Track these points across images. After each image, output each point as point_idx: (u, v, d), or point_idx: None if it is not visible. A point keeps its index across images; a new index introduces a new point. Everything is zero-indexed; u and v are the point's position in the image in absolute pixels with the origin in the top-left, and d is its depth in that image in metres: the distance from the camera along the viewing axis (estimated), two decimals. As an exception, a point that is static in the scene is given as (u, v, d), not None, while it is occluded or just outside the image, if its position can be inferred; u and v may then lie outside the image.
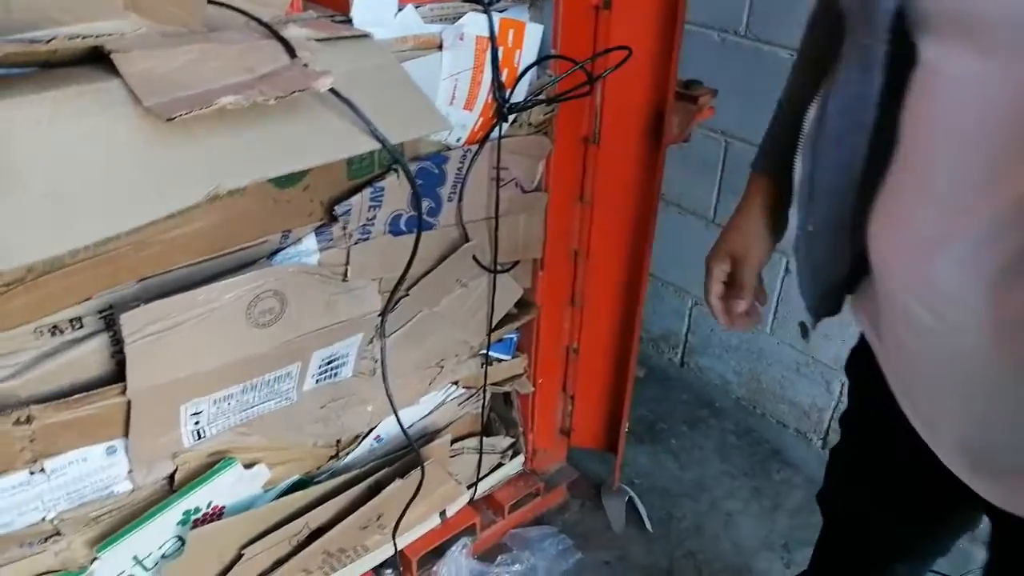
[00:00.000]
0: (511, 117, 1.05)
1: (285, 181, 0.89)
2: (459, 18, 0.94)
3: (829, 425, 1.82)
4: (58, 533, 0.91)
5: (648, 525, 1.62)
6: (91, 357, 0.84)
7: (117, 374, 0.85)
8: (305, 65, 0.71)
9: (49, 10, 0.62)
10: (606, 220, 1.29)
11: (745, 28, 1.57)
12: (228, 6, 0.75)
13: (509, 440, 1.49)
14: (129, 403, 0.86)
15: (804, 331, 0.88)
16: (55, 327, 0.81)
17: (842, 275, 0.76)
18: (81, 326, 0.83)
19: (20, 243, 0.50)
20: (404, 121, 0.77)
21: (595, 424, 1.58)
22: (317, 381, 1.08)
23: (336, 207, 0.94)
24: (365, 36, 0.80)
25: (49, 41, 0.57)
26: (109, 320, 0.84)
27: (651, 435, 1.92)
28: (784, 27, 1.52)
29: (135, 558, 1.00)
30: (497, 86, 0.99)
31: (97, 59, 0.64)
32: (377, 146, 0.72)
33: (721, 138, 1.76)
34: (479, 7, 0.94)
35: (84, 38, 0.60)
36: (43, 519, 0.88)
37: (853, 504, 1.00)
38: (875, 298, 0.72)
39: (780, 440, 1.90)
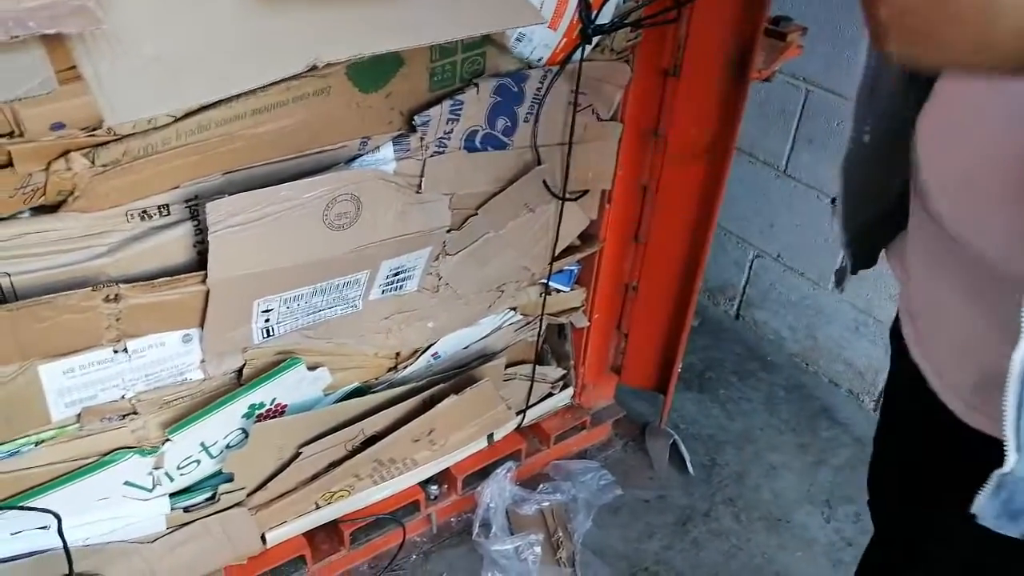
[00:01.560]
0: (594, 40, 1.03)
1: (368, 84, 0.89)
2: (552, -68, 0.92)
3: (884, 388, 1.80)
4: (135, 412, 0.95)
5: (690, 469, 1.63)
6: (176, 244, 0.86)
7: (199, 263, 0.88)
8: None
9: None
10: (679, 156, 1.27)
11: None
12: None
13: (560, 371, 1.50)
14: (207, 293, 0.89)
15: (840, 278, 0.84)
16: (144, 211, 0.84)
17: (885, 211, 0.74)
18: (168, 213, 0.85)
19: (128, 102, 0.52)
20: (503, 13, 0.76)
21: (646, 365, 1.58)
22: (383, 292, 1.10)
23: (415, 117, 0.95)
24: (460, -61, 0.79)
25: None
26: (194, 210, 0.86)
27: (700, 383, 1.92)
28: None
29: (202, 444, 1.04)
30: (584, 6, 0.97)
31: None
32: (475, 32, 0.71)
33: (803, 85, 1.71)
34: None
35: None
36: (122, 397, 0.93)
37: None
38: (908, 238, 0.71)
39: (831, 399, 1.88)
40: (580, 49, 1.02)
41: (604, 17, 1.01)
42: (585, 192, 1.24)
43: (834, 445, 1.75)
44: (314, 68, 0.59)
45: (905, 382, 0.76)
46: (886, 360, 1.76)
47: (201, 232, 0.87)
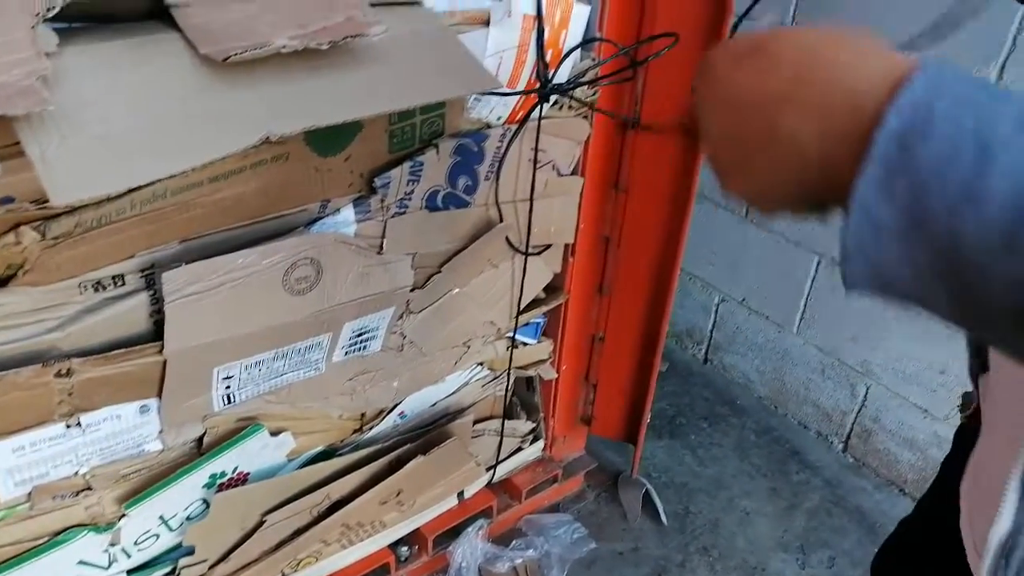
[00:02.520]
0: (552, 98, 1.05)
1: (327, 149, 0.89)
2: (509, -7, 0.93)
3: (852, 429, 1.81)
4: (89, 488, 0.92)
5: (664, 519, 1.62)
6: (131, 314, 0.85)
7: (155, 333, 0.86)
8: (359, 20, 0.72)
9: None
10: (640, 209, 1.29)
11: (792, 19, 1.56)
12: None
13: (530, 425, 1.49)
14: (165, 363, 0.87)
15: (965, 404, 0.75)
16: (98, 283, 0.82)
17: None
18: (123, 283, 0.84)
19: (75, 182, 0.51)
20: (456, 79, 0.77)
21: (616, 414, 1.58)
22: (346, 353, 1.08)
23: (376, 179, 0.95)
24: (416, 3, 0.80)
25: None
26: (150, 279, 0.85)
27: (671, 429, 1.91)
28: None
29: (161, 517, 1.01)
30: (541, 66, 0.99)
31: (158, 15, 0.64)
32: (428, 101, 0.71)
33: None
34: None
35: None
36: (76, 473, 0.90)
37: None
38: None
39: (800, 441, 1.89)
40: (538, 107, 1.04)
41: (561, 76, 1.03)
42: (548, 246, 1.25)
43: (806, 489, 1.75)
44: (267, 141, 0.58)
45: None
46: (852, 402, 1.77)
47: (158, 302, 0.85)
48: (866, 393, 1.76)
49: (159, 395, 0.91)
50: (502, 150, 1.06)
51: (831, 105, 0.35)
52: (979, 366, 0.66)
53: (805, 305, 1.81)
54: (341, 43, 0.61)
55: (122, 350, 0.83)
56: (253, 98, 0.60)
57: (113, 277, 0.83)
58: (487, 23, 0.93)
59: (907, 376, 1.65)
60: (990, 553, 0.53)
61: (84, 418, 0.87)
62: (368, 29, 0.63)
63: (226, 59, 0.57)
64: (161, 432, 0.95)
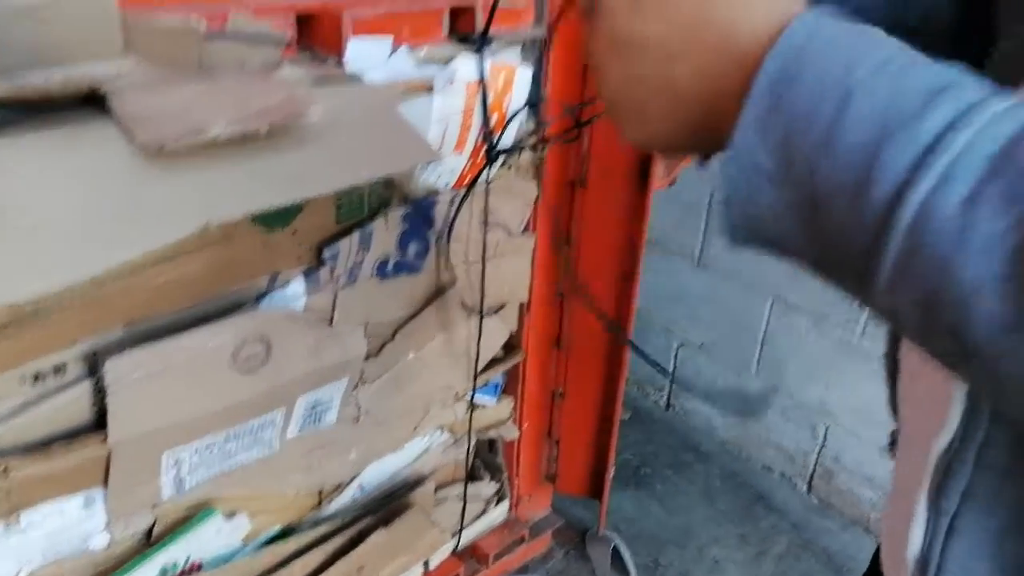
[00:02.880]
0: (499, 160, 1.05)
1: (273, 224, 0.88)
2: (450, 61, 0.94)
3: (814, 470, 1.82)
4: (30, 590, 0.87)
5: (633, 573, 1.59)
6: (73, 405, 0.81)
7: (98, 422, 0.83)
8: (298, 100, 0.71)
9: (47, 53, 0.61)
10: (592, 263, 1.29)
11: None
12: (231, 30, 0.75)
13: (494, 486, 1.46)
14: (110, 452, 0.84)
15: (893, 442, 0.75)
16: (38, 374, 0.78)
17: None
18: (64, 372, 0.80)
19: (6, 281, 0.49)
20: (397, 154, 0.77)
21: (580, 470, 1.56)
22: (301, 428, 1.05)
23: (324, 251, 0.93)
24: (357, 78, 0.80)
25: (46, 83, 0.56)
26: (93, 366, 0.81)
27: (636, 479, 1.90)
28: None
29: (110, 615, 0.96)
30: (486, 130, 0.99)
31: (92, 100, 0.63)
32: (369, 178, 0.71)
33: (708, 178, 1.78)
34: (471, 50, 0.94)
35: (80, 79, 0.59)
36: (17, 574, 0.85)
37: None
38: None
39: (765, 484, 1.89)
40: (486, 170, 1.04)
41: (507, 139, 1.04)
42: (503, 305, 1.24)
43: (773, 533, 1.75)
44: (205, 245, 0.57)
45: None
46: (813, 442, 1.79)
47: (101, 390, 0.81)
48: (825, 433, 1.77)
49: (105, 485, 0.87)
50: (452, 214, 1.06)
51: (723, 51, 0.36)
52: (892, 393, 0.66)
53: (762, 347, 1.83)
54: (279, 126, 0.61)
55: (64, 443, 0.79)
56: (192, 184, 0.59)
57: (54, 367, 0.80)
58: (431, 90, 0.93)
59: (863, 415, 1.67)
60: (928, 468, 0.51)
61: (24, 516, 0.82)
62: (307, 111, 0.62)
63: (161, 148, 0.56)
64: (108, 524, 0.91)
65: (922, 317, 0.32)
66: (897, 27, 0.44)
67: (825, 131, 0.32)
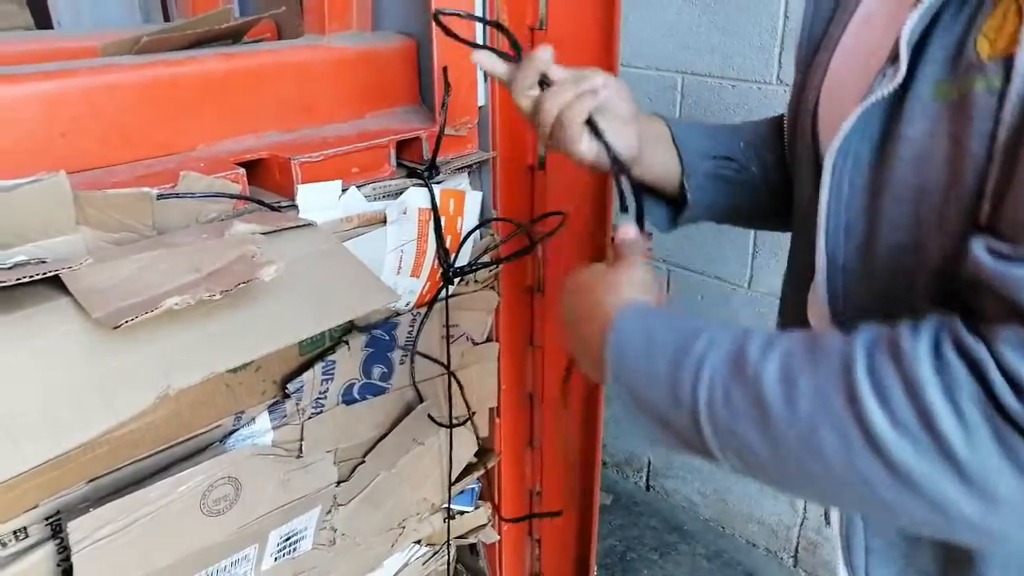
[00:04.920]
0: (457, 279, 1.08)
1: (238, 365, 0.88)
2: (401, 193, 0.98)
3: (798, 543, 1.81)
4: None
5: (628, 668, 1.57)
6: (37, 569, 0.80)
7: (64, 583, 0.82)
8: (252, 258, 0.73)
9: (2, 235, 0.63)
10: (557, 363, 1.31)
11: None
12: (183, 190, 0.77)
13: (478, 593, 1.44)
14: (76, 613, 0.82)
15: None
16: (-2, 541, 0.78)
17: None
18: (26, 536, 0.79)
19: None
20: (353, 299, 0.79)
21: (565, 566, 1.54)
22: (275, 559, 1.04)
23: (288, 385, 0.94)
24: (309, 224, 0.82)
25: (9, 269, 0.57)
26: (56, 526, 0.81)
27: (623, 567, 1.88)
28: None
29: None
30: (442, 252, 1.02)
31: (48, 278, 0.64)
32: (327, 327, 0.73)
33: (664, 266, 1.82)
34: (420, 182, 0.98)
35: (37, 263, 0.61)
36: None
37: None
38: None
39: (751, 561, 1.88)
40: (445, 289, 1.06)
41: (463, 258, 1.07)
42: (473, 414, 1.25)
43: (764, 613, 1.73)
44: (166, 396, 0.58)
45: None
46: (794, 516, 1.79)
47: (65, 549, 0.81)
48: (805, 506, 1.77)
49: (73, 645, 0.85)
50: (415, 333, 1.08)
51: (593, 331, 0.63)
52: None
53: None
54: (234, 290, 0.62)
55: (28, 612, 0.78)
56: (149, 355, 0.60)
57: (14, 532, 0.79)
58: (385, 222, 0.96)
59: (841, 484, 1.68)
60: (835, 534, 0.70)
61: None
62: (261, 271, 0.64)
63: (116, 327, 0.58)
64: None
65: (741, 464, 0.53)
66: (748, 183, 0.88)
67: (645, 383, 0.57)
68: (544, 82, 0.73)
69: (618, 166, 0.74)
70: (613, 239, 0.72)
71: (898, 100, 0.55)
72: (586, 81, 0.71)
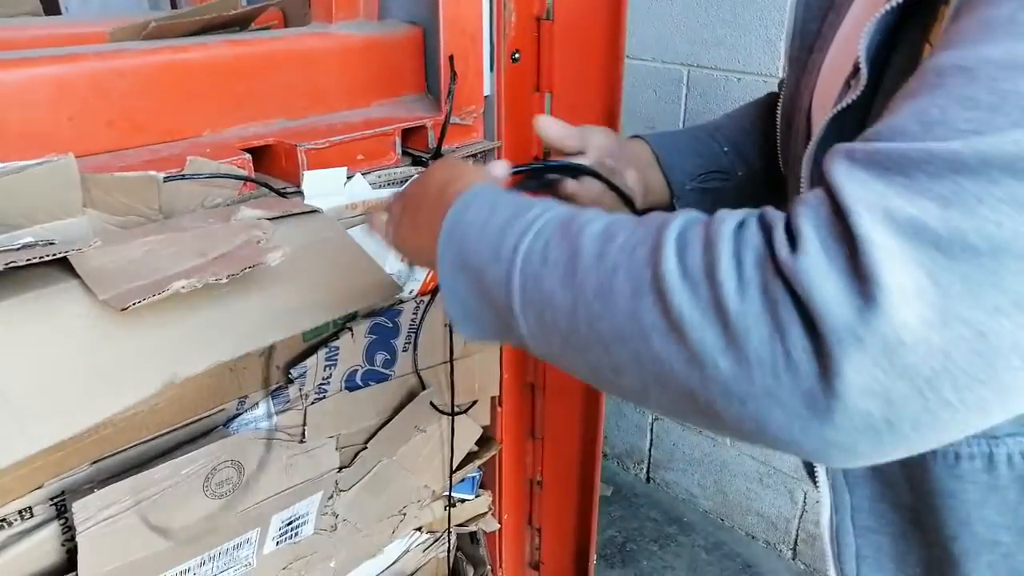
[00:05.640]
0: (461, 266, 1.08)
1: (240, 350, 0.89)
2: (406, 181, 0.98)
3: (797, 535, 1.82)
4: None
5: (626, 657, 1.58)
6: (42, 547, 0.81)
7: (69, 563, 0.82)
8: (257, 243, 0.74)
9: (10, 216, 0.64)
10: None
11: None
12: (187, 175, 0.78)
13: (478, 581, 1.45)
14: (80, 592, 0.83)
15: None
16: (4, 520, 0.78)
17: None
18: (31, 515, 0.80)
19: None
20: (358, 290, 0.80)
21: (564, 555, 1.55)
22: (277, 543, 1.05)
23: (292, 370, 0.95)
24: (315, 211, 0.83)
25: (18, 250, 0.58)
26: (61, 506, 0.81)
27: (622, 557, 1.89)
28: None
29: None
30: (445, 240, 1.02)
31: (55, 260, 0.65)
32: (332, 317, 0.74)
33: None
34: (423, 169, 0.98)
35: (45, 244, 0.61)
36: None
37: None
38: None
39: (751, 553, 1.89)
40: (448, 277, 1.07)
41: (466, 246, 1.07)
42: (475, 402, 1.26)
43: (762, 604, 1.74)
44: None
45: None
46: (793, 508, 1.80)
47: (70, 530, 0.82)
48: (804, 498, 1.78)
49: (77, 625, 0.86)
50: (418, 321, 1.08)
51: (439, 203, 0.62)
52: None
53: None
54: (240, 275, 0.63)
55: (33, 590, 0.79)
56: (155, 340, 0.61)
57: (20, 511, 0.80)
58: (389, 209, 0.97)
59: (840, 478, 1.69)
60: (826, 541, 0.69)
61: (-6, 666, 0.81)
62: (267, 256, 0.65)
63: (124, 308, 0.58)
64: (82, 663, 0.89)
65: (538, 325, 0.52)
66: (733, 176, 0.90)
67: (478, 233, 0.56)
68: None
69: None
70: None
71: (864, 110, 0.56)
72: (587, 142, 0.86)
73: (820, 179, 0.55)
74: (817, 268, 0.39)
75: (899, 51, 0.54)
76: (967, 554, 0.61)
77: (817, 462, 0.51)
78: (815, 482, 0.73)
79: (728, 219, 0.46)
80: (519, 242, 0.53)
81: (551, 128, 0.85)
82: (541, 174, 0.85)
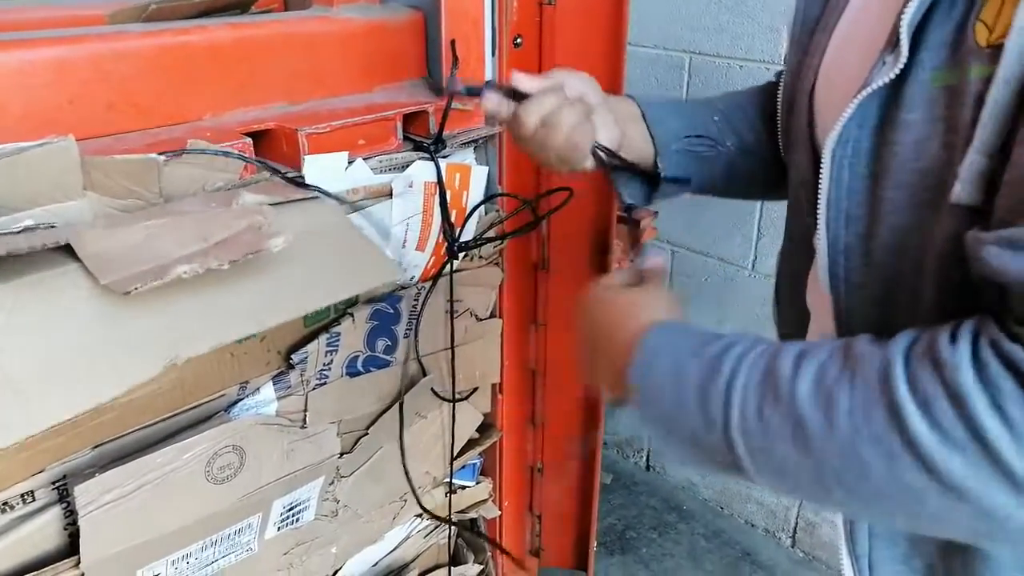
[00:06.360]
0: (462, 253, 1.08)
1: (242, 335, 0.89)
2: (407, 166, 0.98)
3: (796, 523, 1.83)
4: None
5: (625, 643, 1.59)
6: (44, 531, 0.81)
7: (71, 547, 0.83)
8: (259, 228, 0.74)
9: (11, 198, 0.63)
10: (560, 340, 1.32)
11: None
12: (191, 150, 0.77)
13: (478, 567, 1.45)
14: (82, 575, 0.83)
15: None
16: (6, 503, 0.78)
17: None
18: (33, 499, 0.80)
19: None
20: (359, 274, 0.79)
21: (565, 542, 1.56)
22: (279, 529, 1.05)
23: (293, 355, 0.95)
24: (316, 197, 0.82)
25: (19, 233, 0.58)
26: (62, 491, 0.81)
27: (621, 545, 1.90)
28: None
29: None
30: (447, 226, 1.02)
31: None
32: (333, 301, 0.73)
33: (668, 247, 1.82)
34: (426, 155, 0.98)
35: (46, 228, 0.61)
36: None
37: None
38: None
39: (750, 541, 1.89)
40: (449, 263, 1.07)
41: (468, 232, 1.07)
42: (475, 389, 1.26)
43: (761, 592, 1.75)
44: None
45: None
46: (793, 499, 1.80)
47: (72, 513, 0.82)
48: (804, 487, 1.79)
49: (79, 607, 0.86)
50: (419, 307, 1.08)
51: (617, 350, 0.62)
52: None
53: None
54: (242, 260, 0.63)
55: (34, 573, 0.79)
56: (157, 322, 0.61)
57: (22, 495, 0.80)
58: (391, 195, 0.96)
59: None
60: (839, 519, 0.71)
61: (-4, 650, 0.81)
62: (268, 242, 0.65)
63: (126, 293, 0.58)
64: (83, 647, 0.90)
65: (776, 479, 0.52)
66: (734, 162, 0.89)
67: (675, 406, 0.56)
68: (516, 95, 0.75)
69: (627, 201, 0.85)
70: (636, 263, 0.75)
71: (896, 86, 0.55)
72: (565, 90, 0.75)
73: (856, 179, 0.59)
74: None
75: (936, 26, 0.53)
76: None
77: None
78: None
79: (958, 358, 0.44)
80: (727, 412, 0.52)
81: (525, 83, 0.77)
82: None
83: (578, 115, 0.73)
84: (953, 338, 0.45)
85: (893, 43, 0.54)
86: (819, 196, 0.61)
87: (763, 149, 0.86)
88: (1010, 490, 0.42)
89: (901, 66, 0.53)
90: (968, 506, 0.44)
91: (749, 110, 0.89)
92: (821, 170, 0.61)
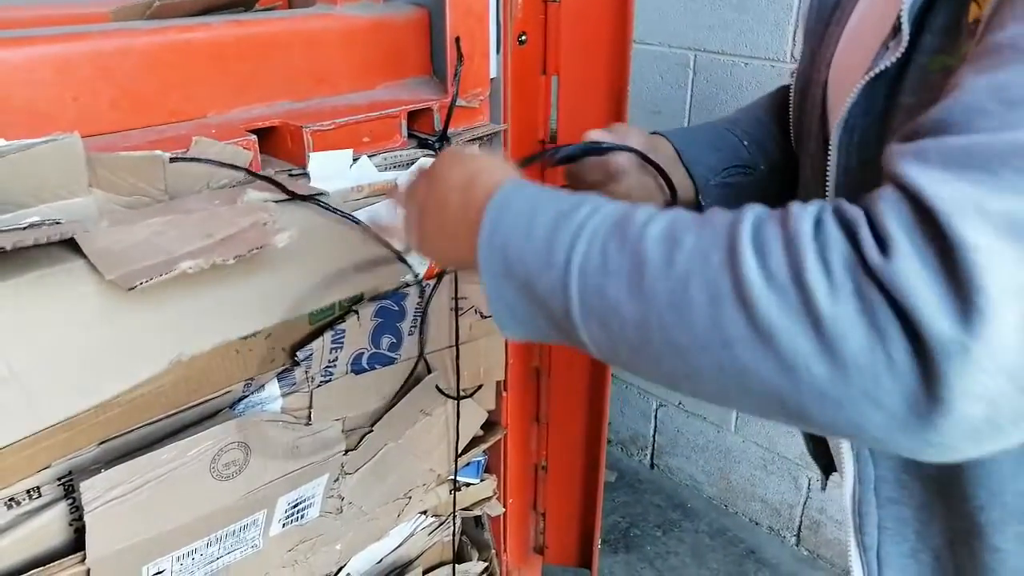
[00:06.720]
0: (467, 250, 1.08)
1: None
2: (412, 163, 0.97)
3: (801, 522, 1.82)
4: None
5: (630, 641, 1.59)
6: (50, 527, 0.81)
7: (76, 542, 0.83)
8: (264, 225, 0.74)
9: (16, 194, 0.63)
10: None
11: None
12: (193, 159, 0.77)
13: (482, 565, 1.45)
14: (88, 571, 0.83)
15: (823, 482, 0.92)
16: (12, 499, 0.79)
17: None
18: (39, 495, 0.81)
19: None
20: (362, 271, 0.79)
21: (569, 540, 1.56)
22: (284, 525, 1.05)
23: (298, 353, 0.95)
24: (321, 194, 0.82)
25: (24, 229, 0.58)
26: (68, 487, 0.82)
27: (626, 543, 1.90)
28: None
29: None
30: (451, 223, 1.02)
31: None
32: (338, 299, 0.73)
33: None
34: (430, 152, 0.98)
35: (51, 224, 0.61)
36: None
37: None
38: None
39: (754, 539, 1.89)
40: (454, 261, 1.06)
41: (472, 229, 1.06)
42: (480, 386, 1.26)
43: (766, 589, 1.75)
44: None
45: None
46: (797, 494, 1.80)
47: (77, 509, 0.82)
48: (808, 485, 1.78)
49: (85, 604, 0.86)
50: (424, 304, 1.08)
51: (468, 205, 0.59)
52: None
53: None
54: (247, 256, 0.63)
55: (40, 569, 0.79)
56: (162, 319, 0.61)
57: (28, 491, 0.80)
58: (395, 192, 0.96)
59: (845, 464, 1.69)
60: (848, 513, 0.69)
61: (2, 646, 0.81)
62: (273, 238, 0.65)
63: (131, 288, 0.58)
64: (89, 643, 0.90)
65: (602, 334, 0.50)
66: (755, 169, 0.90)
67: (522, 239, 0.53)
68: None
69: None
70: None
71: (900, 73, 0.55)
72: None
73: (865, 167, 0.56)
74: (913, 273, 0.38)
75: (937, 11, 0.53)
76: (994, 525, 0.61)
77: (914, 458, 0.50)
78: (821, 459, 0.73)
79: (803, 216, 0.44)
80: (572, 248, 0.51)
81: (595, 135, 0.85)
82: (583, 156, 0.85)
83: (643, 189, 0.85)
84: (804, 204, 0.46)
85: (896, 29, 0.54)
86: (827, 184, 0.61)
87: (789, 162, 0.87)
88: (813, 337, 0.41)
89: (902, 51, 0.53)
90: (772, 354, 0.42)
91: (769, 125, 0.90)
92: (828, 158, 0.61)
